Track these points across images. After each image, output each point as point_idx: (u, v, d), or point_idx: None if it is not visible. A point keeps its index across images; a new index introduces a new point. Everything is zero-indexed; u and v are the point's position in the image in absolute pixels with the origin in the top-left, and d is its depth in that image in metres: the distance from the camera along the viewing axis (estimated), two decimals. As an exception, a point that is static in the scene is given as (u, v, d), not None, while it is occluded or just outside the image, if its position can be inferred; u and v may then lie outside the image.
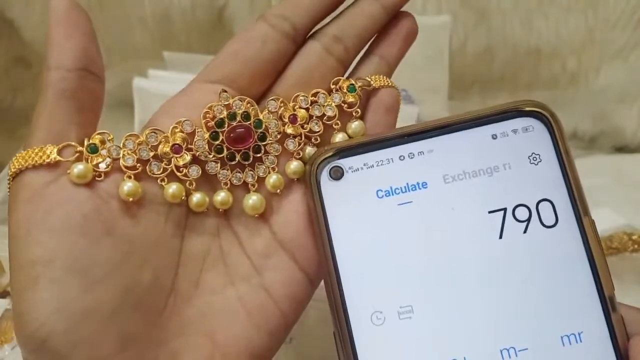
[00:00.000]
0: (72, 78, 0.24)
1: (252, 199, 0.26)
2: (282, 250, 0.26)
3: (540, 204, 0.25)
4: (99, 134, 0.25)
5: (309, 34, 0.28)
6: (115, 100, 0.61)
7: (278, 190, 0.26)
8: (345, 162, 0.26)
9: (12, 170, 0.23)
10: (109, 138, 0.25)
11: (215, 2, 0.63)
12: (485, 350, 0.24)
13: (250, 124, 0.26)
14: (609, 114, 0.68)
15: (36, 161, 0.23)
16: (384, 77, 0.28)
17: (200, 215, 0.26)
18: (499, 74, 0.66)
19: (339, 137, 0.27)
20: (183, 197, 0.25)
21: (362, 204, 0.25)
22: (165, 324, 0.24)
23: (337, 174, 0.26)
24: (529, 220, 0.25)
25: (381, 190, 0.25)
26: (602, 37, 0.62)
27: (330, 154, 0.26)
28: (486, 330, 0.24)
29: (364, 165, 0.26)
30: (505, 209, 0.25)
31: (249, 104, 0.26)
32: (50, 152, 0.23)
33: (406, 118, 0.54)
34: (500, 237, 0.25)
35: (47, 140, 0.24)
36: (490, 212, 0.25)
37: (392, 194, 0.25)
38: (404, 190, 0.25)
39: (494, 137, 0.26)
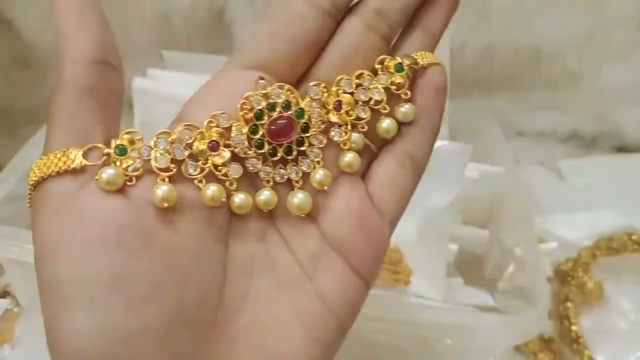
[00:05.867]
0: (92, 73, 0.22)
1: (298, 197, 0.23)
2: (333, 252, 0.24)
3: None
4: (127, 133, 0.22)
5: (348, 9, 0.25)
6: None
7: (325, 187, 0.24)
8: None
9: (34, 178, 0.21)
10: (138, 137, 0.22)
11: (215, 3, 0.63)
12: None
13: (291, 114, 0.23)
14: (610, 114, 0.68)
15: (60, 167, 0.20)
16: (430, 53, 0.25)
17: (243, 218, 0.23)
18: (499, 74, 0.66)
19: (385, 123, 0.24)
20: (223, 199, 0.22)
21: None
22: (215, 341, 0.22)
23: None
24: None
25: None
26: (603, 37, 0.63)
27: None
28: None
29: None
30: None
31: (289, 92, 0.23)
32: (75, 156, 0.21)
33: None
34: None
35: (69, 143, 0.21)
36: None
37: None
38: None
39: None
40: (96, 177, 0.21)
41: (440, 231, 0.47)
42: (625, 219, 0.56)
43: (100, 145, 0.21)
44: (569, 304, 0.50)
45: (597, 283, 0.51)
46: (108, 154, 0.21)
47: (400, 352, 0.40)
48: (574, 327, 0.49)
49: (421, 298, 0.43)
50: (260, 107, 0.23)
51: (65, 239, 0.20)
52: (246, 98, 0.23)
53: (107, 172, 0.21)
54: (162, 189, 0.21)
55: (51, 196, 0.21)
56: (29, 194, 0.21)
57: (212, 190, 0.22)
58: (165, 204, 0.21)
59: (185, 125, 0.22)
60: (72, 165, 0.21)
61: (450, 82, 0.57)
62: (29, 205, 0.21)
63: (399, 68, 0.24)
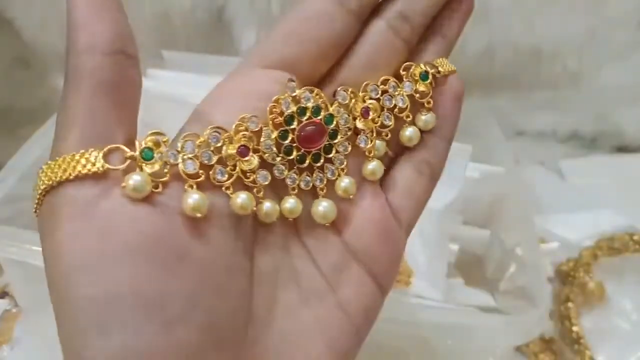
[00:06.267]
0: (110, 64, 0.19)
1: (323, 206, 0.22)
2: (355, 262, 0.23)
3: None
4: (152, 134, 0.20)
5: (372, 10, 0.24)
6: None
7: (350, 196, 0.23)
8: None
9: (47, 182, 0.19)
10: (164, 140, 0.20)
11: (215, 2, 0.63)
12: None
13: (320, 119, 0.22)
14: (610, 114, 0.68)
15: (79, 171, 0.18)
16: (447, 61, 0.25)
17: (268, 227, 0.22)
18: (499, 74, 0.66)
19: (409, 132, 0.24)
20: (254, 208, 0.21)
21: None
22: (246, 357, 0.21)
23: None
24: None
25: None
26: (604, 37, 0.62)
27: None
28: None
29: None
30: None
31: (317, 96, 0.22)
32: (96, 159, 0.19)
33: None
34: None
35: (84, 144, 0.19)
36: None
37: None
38: None
39: None
40: (123, 185, 0.19)
41: (440, 231, 0.47)
42: (626, 219, 0.56)
43: (123, 147, 0.19)
44: (570, 305, 0.50)
45: (598, 283, 0.51)
46: (132, 157, 0.19)
47: (400, 353, 0.40)
48: (575, 328, 0.49)
49: (422, 298, 0.43)
50: (290, 112, 0.22)
51: (91, 253, 0.18)
52: (276, 101, 0.22)
53: (134, 179, 0.19)
54: (193, 198, 0.19)
55: (69, 203, 0.18)
56: (39, 199, 0.19)
57: (242, 198, 0.21)
58: (198, 214, 0.19)
59: (214, 128, 0.21)
60: (93, 169, 0.18)
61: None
62: (35, 210, 0.20)
63: (424, 76, 0.24)
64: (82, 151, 0.19)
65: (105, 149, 0.19)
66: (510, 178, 0.52)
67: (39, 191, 0.19)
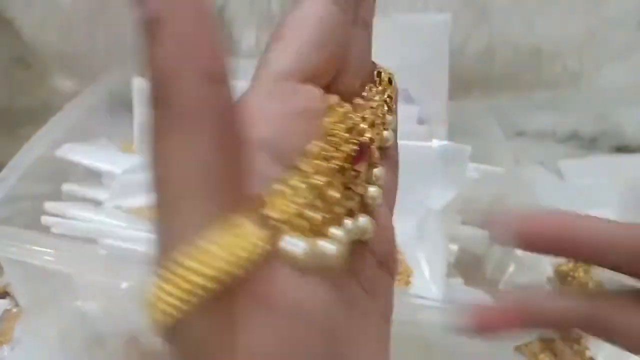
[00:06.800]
0: (231, 96, 0.16)
1: (362, 221, 0.21)
2: (382, 270, 0.23)
3: None
4: (281, 183, 0.17)
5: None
6: (115, 101, 0.61)
7: (379, 202, 0.22)
8: None
9: (209, 284, 0.14)
10: (298, 186, 0.17)
11: (215, 2, 0.63)
12: None
13: (359, 136, 0.22)
14: (610, 114, 0.68)
15: (253, 252, 0.15)
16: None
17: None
18: (499, 74, 0.66)
19: (386, 133, 0.24)
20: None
21: None
22: None
23: None
24: None
25: None
26: (604, 37, 0.62)
27: None
28: None
29: None
30: None
31: (351, 112, 0.22)
32: (254, 235, 0.15)
33: (406, 117, 0.54)
34: None
35: (228, 208, 0.15)
36: None
37: None
38: None
39: None
40: (293, 257, 0.16)
41: (440, 231, 0.47)
42: (626, 219, 0.56)
43: (270, 212, 0.17)
44: (569, 304, 0.50)
45: (597, 283, 0.51)
46: (286, 221, 0.17)
47: (400, 353, 0.40)
48: (574, 328, 0.49)
49: (421, 298, 0.43)
50: (343, 133, 0.21)
51: (295, 348, 0.16)
52: (335, 122, 0.21)
53: (302, 247, 0.17)
54: (334, 249, 0.17)
55: (249, 296, 0.15)
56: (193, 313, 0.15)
57: (339, 235, 0.19)
58: (343, 265, 0.18)
59: (314, 163, 0.19)
60: (263, 246, 0.15)
61: (450, 82, 0.56)
62: (170, 339, 0.15)
63: (390, 81, 0.25)
64: (239, 229, 0.15)
65: (255, 216, 0.16)
66: (510, 178, 0.52)
67: (193, 303, 0.14)
